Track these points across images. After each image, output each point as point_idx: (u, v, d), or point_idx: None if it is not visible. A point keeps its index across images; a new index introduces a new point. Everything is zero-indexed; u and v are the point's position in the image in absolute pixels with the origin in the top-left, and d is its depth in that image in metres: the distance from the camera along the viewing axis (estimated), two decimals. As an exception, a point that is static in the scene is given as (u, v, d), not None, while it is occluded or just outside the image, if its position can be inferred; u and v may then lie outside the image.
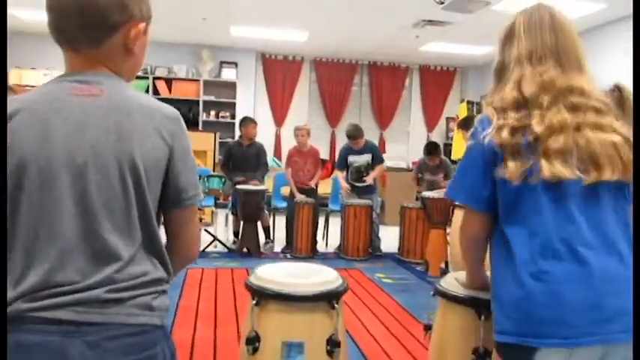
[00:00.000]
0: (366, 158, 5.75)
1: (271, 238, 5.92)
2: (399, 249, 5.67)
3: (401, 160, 9.25)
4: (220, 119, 8.73)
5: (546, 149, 1.18)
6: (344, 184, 5.75)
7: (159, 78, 8.50)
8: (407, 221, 5.53)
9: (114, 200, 0.98)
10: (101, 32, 1.03)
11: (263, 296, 1.61)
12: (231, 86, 8.72)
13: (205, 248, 5.52)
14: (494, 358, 1.31)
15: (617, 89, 1.29)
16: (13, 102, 1.00)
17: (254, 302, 1.63)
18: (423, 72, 9.48)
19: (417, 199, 5.96)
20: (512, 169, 1.19)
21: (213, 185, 5.39)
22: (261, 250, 5.60)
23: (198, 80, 8.60)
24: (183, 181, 1.05)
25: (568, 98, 1.23)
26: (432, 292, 1.76)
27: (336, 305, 1.65)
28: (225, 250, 5.64)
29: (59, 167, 0.96)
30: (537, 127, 1.19)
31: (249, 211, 5.46)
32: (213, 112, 8.72)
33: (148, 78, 8.44)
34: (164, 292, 1.06)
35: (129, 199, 0.99)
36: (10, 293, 0.93)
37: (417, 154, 9.45)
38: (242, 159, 5.83)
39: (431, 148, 5.93)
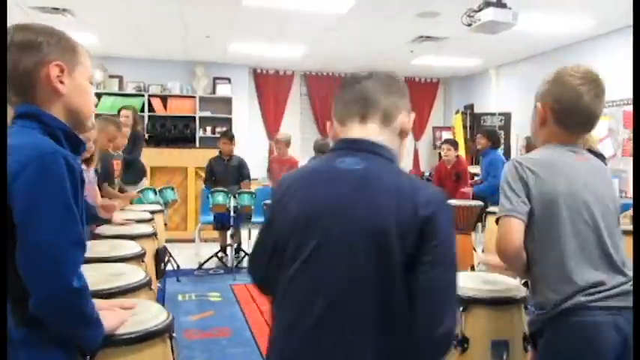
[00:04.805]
0: None
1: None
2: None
3: (391, 169, 9.59)
4: (217, 135, 8.75)
5: None
6: None
7: (154, 95, 8.46)
8: (429, 228, 5.82)
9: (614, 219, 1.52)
10: None
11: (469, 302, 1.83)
12: (226, 102, 8.78)
13: (238, 264, 5.61)
14: None
15: None
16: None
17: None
18: (409, 84, 9.76)
19: None
20: None
21: (245, 202, 5.47)
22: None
23: (193, 97, 8.62)
24: None
25: None
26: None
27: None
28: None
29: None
30: None
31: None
32: (209, 128, 8.75)
33: (143, 95, 8.38)
34: None
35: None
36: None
37: (406, 162, 9.85)
38: (224, 173, 5.94)
39: None
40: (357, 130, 1.21)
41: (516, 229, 1.47)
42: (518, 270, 1.58)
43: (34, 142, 1.09)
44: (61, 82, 1.18)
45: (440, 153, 9.48)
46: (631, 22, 6.06)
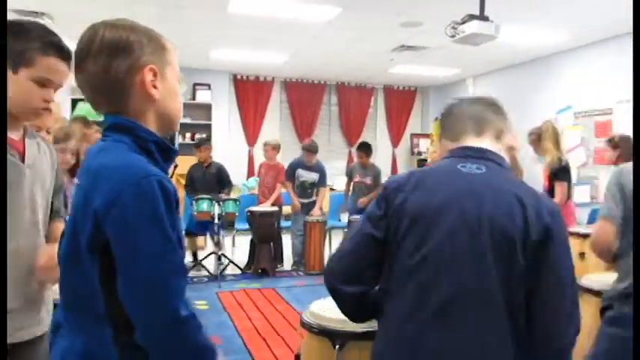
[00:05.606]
0: (313, 176, 6.07)
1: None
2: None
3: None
4: (196, 141, 8.68)
5: None
6: (296, 202, 5.99)
7: (132, 101, 8.34)
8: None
9: None
10: None
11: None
12: (206, 108, 8.74)
13: (222, 271, 5.58)
14: None
15: None
16: None
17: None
18: (387, 92, 10.00)
19: None
20: None
21: (229, 209, 5.46)
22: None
23: (173, 102, 8.52)
24: None
25: None
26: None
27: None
28: (239, 271, 5.73)
29: None
30: None
31: (263, 231, 5.59)
32: (188, 135, 8.68)
33: (121, 101, 8.24)
34: None
35: None
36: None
37: (384, 168, 9.95)
38: (203, 180, 5.90)
39: (364, 147, 6.23)
40: (473, 143, 1.34)
41: (610, 231, 1.75)
42: (606, 260, 1.85)
43: (127, 163, 1.01)
44: (155, 87, 1.09)
45: (420, 159, 9.69)
46: (605, 36, 6.29)
